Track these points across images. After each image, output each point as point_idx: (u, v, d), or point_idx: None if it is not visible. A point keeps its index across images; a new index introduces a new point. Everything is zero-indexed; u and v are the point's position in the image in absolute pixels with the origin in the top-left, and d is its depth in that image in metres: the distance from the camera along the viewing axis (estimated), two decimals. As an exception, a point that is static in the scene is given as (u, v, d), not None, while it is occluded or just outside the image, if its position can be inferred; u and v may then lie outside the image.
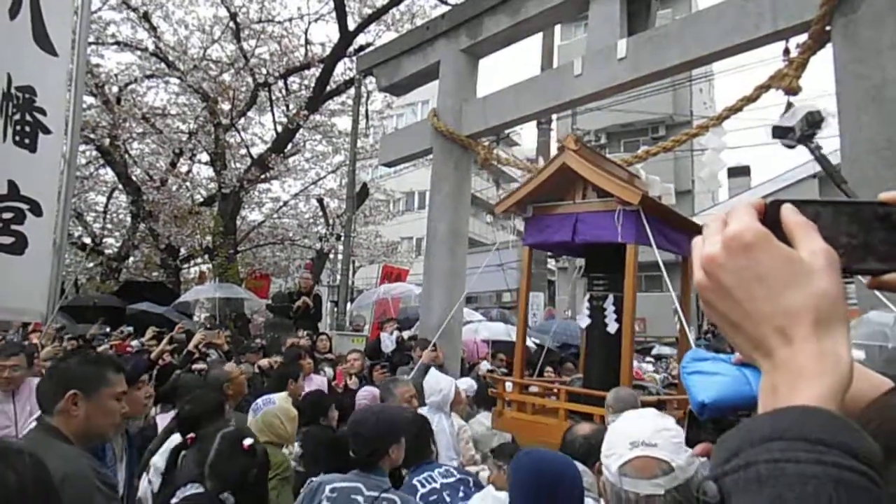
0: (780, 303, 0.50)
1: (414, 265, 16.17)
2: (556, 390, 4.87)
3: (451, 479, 2.62)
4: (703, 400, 0.73)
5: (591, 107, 12.25)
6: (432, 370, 4.55)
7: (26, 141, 4.18)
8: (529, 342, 8.60)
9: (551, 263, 21.33)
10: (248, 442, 2.04)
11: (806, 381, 0.47)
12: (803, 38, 4.41)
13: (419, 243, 26.60)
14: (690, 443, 0.81)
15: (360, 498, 2.22)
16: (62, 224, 4.85)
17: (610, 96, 6.52)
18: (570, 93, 5.86)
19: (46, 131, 4.32)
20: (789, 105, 4.66)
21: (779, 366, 0.49)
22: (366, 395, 4.37)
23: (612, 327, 4.55)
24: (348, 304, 10.63)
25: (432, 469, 2.66)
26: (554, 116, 14.64)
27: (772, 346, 0.50)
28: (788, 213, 0.53)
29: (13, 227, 4.10)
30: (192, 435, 2.40)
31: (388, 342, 6.61)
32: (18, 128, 4.12)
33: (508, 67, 12.56)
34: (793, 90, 4.31)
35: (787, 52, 4.38)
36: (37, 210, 4.29)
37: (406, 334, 7.19)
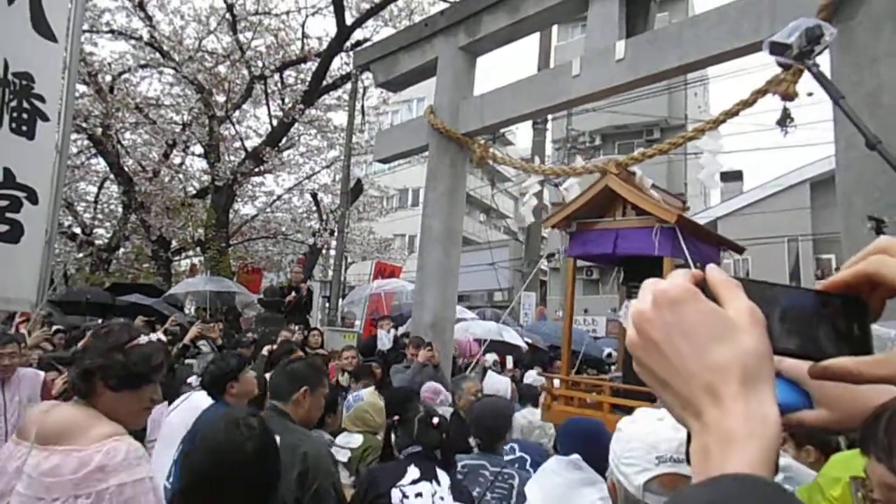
0: (707, 358, 0.49)
1: (407, 262, 16.15)
2: (601, 387, 5.51)
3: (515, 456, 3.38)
4: None
5: (586, 108, 12.29)
6: (489, 373, 5.42)
7: (24, 128, 4.14)
8: (522, 342, 8.65)
9: (543, 264, 21.39)
10: (436, 420, 2.66)
11: (736, 446, 0.47)
12: (801, 43, 4.44)
13: (412, 241, 26.58)
14: (690, 459, 0.83)
15: (486, 472, 2.81)
16: (53, 214, 4.82)
17: (607, 97, 6.55)
18: (567, 93, 5.87)
19: (45, 118, 4.29)
20: (785, 110, 4.70)
21: (709, 427, 0.48)
22: (429, 389, 4.68)
23: None
24: (340, 300, 10.59)
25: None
26: (549, 116, 14.68)
27: (701, 405, 0.49)
28: (713, 272, 0.53)
29: (8, 214, 4.06)
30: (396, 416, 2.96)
31: (384, 340, 6.60)
32: (15, 115, 4.08)
33: (504, 67, 12.55)
34: (790, 96, 4.34)
35: (784, 57, 4.39)
36: (33, 198, 4.25)
37: (392, 335, 7.19)
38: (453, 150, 6.94)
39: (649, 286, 0.54)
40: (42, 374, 4.14)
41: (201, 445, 1.71)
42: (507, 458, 3.21)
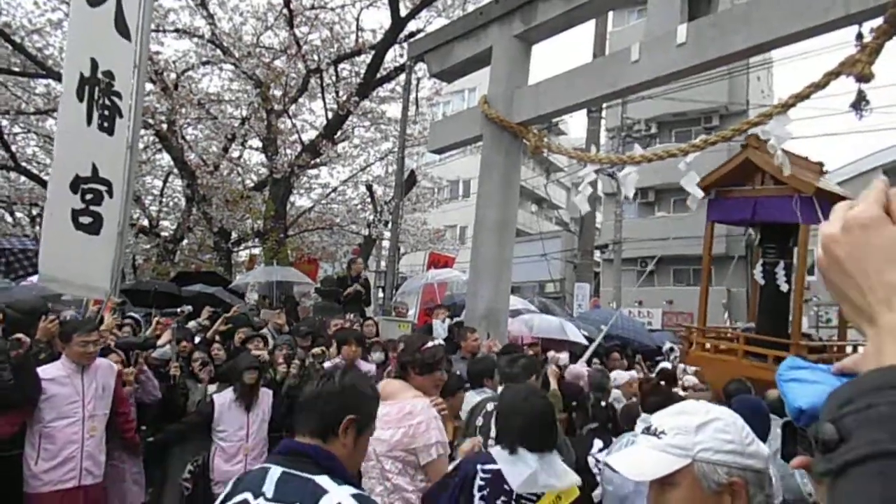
0: (885, 276, 0.55)
1: (460, 253, 16.20)
2: (733, 336, 6.79)
3: None
4: (801, 406, 0.74)
5: (641, 95, 11.98)
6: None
7: (105, 125, 4.36)
8: (583, 338, 8.50)
9: (597, 255, 21.05)
10: (604, 403, 3.46)
11: None
12: (877, 22, 4.21)
13: (463, 231, 26.62)
14: (787, 457, 0.82)
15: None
16: (125, 206, 5.06)
17: (667, 83, 6.38)
18: (626, 79, 5.75)
19: (121, 115, 4.50)
20: (860, 93, 4.47)
21: (882, 330, 0.55)
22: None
23: (783, 287, 6.19)
24: (394, 291, 10.74)
25: None
26: (604, 105, 14.40)
27: (875, 313, 0.55)
28: None
29: (92, 207, 4.28)
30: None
31: (440, 329, 6.63)
32: (102, 112, 4.30)
33: (553, 56, 12.35)
34: (865, 77, 4.13)
35: (860, 36, 4.19)
36: (111, 192, 4.47)
37: (447, 324, 7.20)
38: (507, 139, 6.91)
39: (840, 210, 0.61)
40: (116, 366, 4.26)
41: None
42: None
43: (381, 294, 12.34)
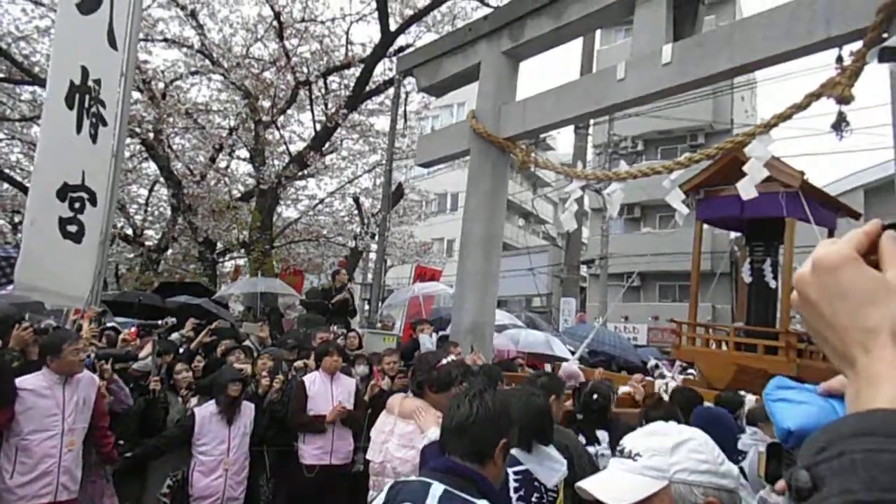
0: (860, 319, 0.54)
1: (446, 266, 16.20)
2: (723, 327, 7.48)
3: None
4: (789, 427, 0.74)
5: (628, 112, 12.13)
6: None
7: (92, 132, 4.33)
8: (569, 354, 8.53)
9: (584, 270, 21.16)
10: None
11: (884, 385, 0.51)
12: (857, 45, 4.30)
13: (450, 245, 26.63)
14: (771, 478, 0.82)
15: None
16: (108, 215, 5.01)
17: (653, 102, 6.46)
18: (612, 97, 5.82)
19: (105, 123, 4.47)
20: (840, 114, 4.56)
21: (860, 373, 0.53)
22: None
23: (771, 283, 6.66)
24: (380, 303, 10.69)
25: None
26: (591, 121, 14.53)
27: (854, 356, 0.54)
28: (884, 239, 0.57)
29: (77, 216, 4.24)
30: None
31: (427, 343, 6.60)
32: (91, 120, 4.27)
33: (544, 73, 12.50)
34: (845, 99, 4.22)
35: (840, 59, 4.28)
36: (93, 200, 4.43)
37: (436, 338, 7.18)
38: (495, 154, 6.95)
39: (817, 249, 0.59)
40: (97, 379, 4.17)
41: None
42: None
43: (366, 306, 12.28)
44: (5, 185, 15.18)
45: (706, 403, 4.27)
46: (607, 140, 19.05)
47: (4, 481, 3.60)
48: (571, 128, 14.13)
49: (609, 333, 11.01)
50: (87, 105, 4.45)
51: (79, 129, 4.42)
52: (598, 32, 17.25)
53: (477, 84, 7.27)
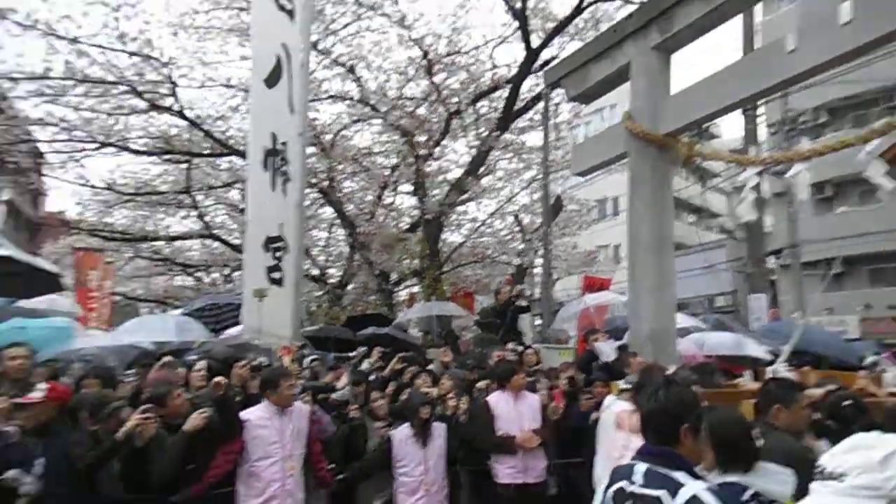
0: None
1: (616, 273, 15.69)
2: None
3: None
4: None
5: (804, 83, 10.92)
6: None
7: (282, 188, 4.93)
8: (762, 350, 7.75)
9: (771, 262, 19.25)
10: None
11: None
12: None
13: (616, 251, 25.76)
14: None
15: None
16: (298, 259, 5.61)
17: (831, 69, 5.79)
18: (782, 72, 5.33)
19: (290, 179, 5.06)
20: None
21: None
22: None
23: None
24: (551, 317, 10.63)
25: None
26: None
27: None
28: None
29: (279, 263, 4.82)
30: None
31: (608, 351, 6.42)
32: (282, 178, 4.88)
33: (696, 60, 11.71)
34: None
35: None
36: (288, 247, 5.01)
37: (616, 345, 6.95)
38: (654, 153, 6.64)
39: None
40: (308, 408, 4.61)
41: None
42: None
43: (537, 322, 12.28)
44: (215, 244, 17.59)
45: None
46: (782, 117, 17.30)
47: (242, 503, 4.13)
48: (738, 111, 13.07)
49: (813, 329, 9.83)
50: (277, 165, 5.09)
51: (273, 186, 5.07)
52: (758, 5, 15.85)
53: (628, 84, 7.05)
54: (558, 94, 10.15)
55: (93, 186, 14.31)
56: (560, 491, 5.43)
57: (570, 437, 5.39)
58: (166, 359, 5.55)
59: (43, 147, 12.70)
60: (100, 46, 10.16)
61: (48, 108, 11.03)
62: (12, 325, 6.54)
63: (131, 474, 3.88)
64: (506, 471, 4.82)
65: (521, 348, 7.66)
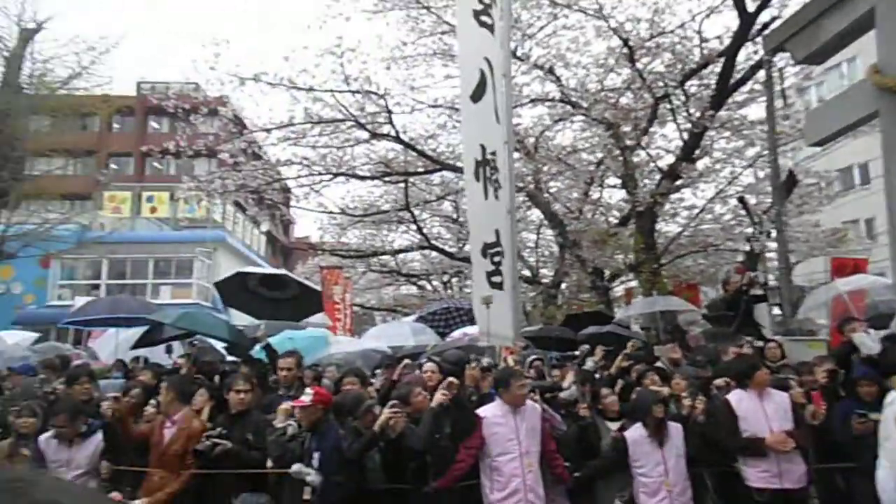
0: None
1: (872, 252, 13.51)
2: None
3: None
4: None
5: None
6: None
7: (495, 196, 5.17)
8: None
9: None
10: None
11: None
12: None
13: (869, 225, 22.16)
14: None
15: None
16: (513, 262, 5.80)
17: None
18: None
19: (500, 186, 5.27)
20: None
21: None
22: None
23: None
24: (791, 306, 9.51)
25: None
26: None
27: None
28: None
29: (498, 268, 5.06)
30: None
31: (868, 343, 5.60)
32: (494, 187, 5.14)
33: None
34: None
35: None
36: (504, 252, 5.23)
37: (880, 334, 6.01)
38: (916, 108, 5.62)
39: None
40: (539, 407, 4.74)
41: None
42: None
43: (776, 312, 11.08)
44: (433, 254, 18.95)
45: None
46: None
47: (487, 497, 4.38)
48: None
49: None
50: (488, 175, 5.34)
51: (485, 195, 5.33)
52: None
53: (870, 34, 6.07)
54: (781, 58, 9.09)
55: (330, 212, 16.41)
56: (823, 502, 4.87)
57: (832, 441, 4.79)
58: (405, 361, 6.13)
59: (290, 183, 14.79)
60: (330, 90, 11.53)
61: (293, 150, 12.88)
62: (284, 336, 7.93)
63: (390, 466, 4.38)
64: (758, 474, 4.44)
65: (760, 342, 7.02)
